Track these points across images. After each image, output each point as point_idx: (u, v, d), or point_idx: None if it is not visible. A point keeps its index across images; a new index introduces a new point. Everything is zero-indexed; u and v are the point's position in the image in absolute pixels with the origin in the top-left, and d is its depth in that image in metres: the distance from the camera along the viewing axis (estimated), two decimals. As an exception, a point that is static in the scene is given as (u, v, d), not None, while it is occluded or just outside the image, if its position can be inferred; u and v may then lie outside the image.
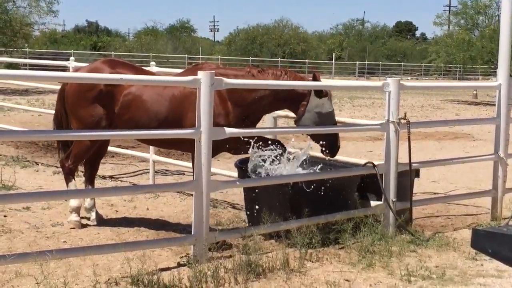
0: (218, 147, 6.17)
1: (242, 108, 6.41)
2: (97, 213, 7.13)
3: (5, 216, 7.19)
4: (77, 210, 6.90)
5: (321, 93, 6.42)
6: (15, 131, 10.22)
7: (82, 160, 7.05)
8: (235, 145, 6.55)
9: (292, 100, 6.51)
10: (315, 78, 6.46)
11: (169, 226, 7.14)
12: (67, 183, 6.96)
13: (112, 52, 55.23)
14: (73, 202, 6.89)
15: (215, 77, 5.58)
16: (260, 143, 6.51)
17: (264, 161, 6.59)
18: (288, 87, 6.43)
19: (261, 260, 5.48)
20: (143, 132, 6.29)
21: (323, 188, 6.47)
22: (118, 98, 6.53)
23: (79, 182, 7.41)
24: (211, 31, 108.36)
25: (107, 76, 6.15)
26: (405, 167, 6.90)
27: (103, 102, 6.55)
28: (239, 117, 6.39)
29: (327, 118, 6.49)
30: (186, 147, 5.82)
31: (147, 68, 8.21)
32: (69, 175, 6.95)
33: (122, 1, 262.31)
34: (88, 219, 7.08)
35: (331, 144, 6.55)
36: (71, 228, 6.81)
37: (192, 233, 5.67)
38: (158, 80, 6.17)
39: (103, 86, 6.50)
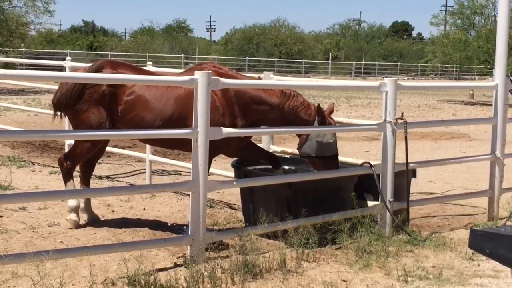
0: (219, 148, 6.22)
1: (248, 115, 6.44)
2: (92, 213, 7.11)
3: (1, 216, 7.16)
4: (75, 209, 6.88)
5: (324, 123, 6.53)
6: (11, 131, 10.20)
7: (82, 161, 7.02)
8: (237, 147, 6.59)
9: (296, 124, 6.58)
10: (319, 110, 6.49)
11: (165, 226, 7.13)
12: (65, 183, 6.93)
13: (109, 52, 55.20)
14: (72, 202, 6.87)
15: (212, 77, 5.57)
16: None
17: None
18: (283, 88, 6.45)
19: (258, 261, 5.47)
20: (140, 132, 6.27)
21: (320, 188, 6.50)
22: (121, 98, 6.51)
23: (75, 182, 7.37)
24: (208, 31, 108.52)
25: (106, 76, 6.13)
26: (402, 167, 6.90)
27: (105, 103, 6.53)
28: (244, 122, 6.42)
29: (328, 148, 6.61)
30: (190, 147, 5.80)
31: (144, 68, 8.18)
32: (67, 175, 6.91)
33: (119, 1, 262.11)
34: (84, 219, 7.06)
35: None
36: (69, 229, 6.78)
37: (189, 233, 5.65)
38: (156, 80, 6.16)
39: (105, 87, 6.48)
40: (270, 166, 7.03)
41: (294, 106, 6.51)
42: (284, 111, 6.51)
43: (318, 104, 6.59)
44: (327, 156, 6.61)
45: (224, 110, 6.33)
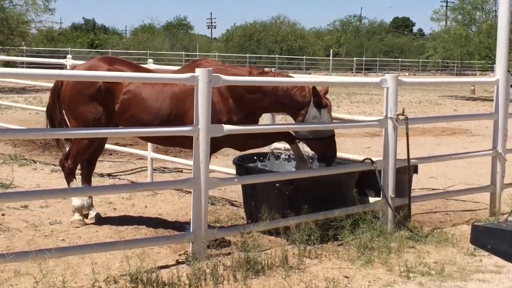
0: (220, 144, 6.23)
1: (243, 106, 6.43)
2: (95, 211, 7.12)
3: (3, 214, 7.17)
4: (80, 209, 6.88)
5: (320, 104, 6.45)
6: (13, 129, 10.21)
7: (82, 159, 7.02)
8: (236, 141, 6.58)
9: (292, 107, 6.54)
10: (314, 91, 6.47)
11: (167, 223, 7.14)
12: (68, 183, 6.92)
13: (109, 50, 55.19)
14: (76, 202, 6.87)
15: (212, 74, 5.57)
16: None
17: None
18: (283, 84, 6.44)
19: (260, 257, 5.47)
20: (141, 130, 6.28)
21: (322, 184, 6.50)
22: (118, 95, 6.51)
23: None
24: (208, 28, 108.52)
25: (105, 74, 6.13)
26: (403, 163, 6.89)
27: (101, 100, 6.53)
28: (241, 115, 6.41)
29: (325, 129, 6.53)
30: (189, 144, 5.80)
31: (144, 66, 8.18)
32: (69, 175, 6.91)
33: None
34: (86, 217, 7.05)
35: (328, 153, 6.59)
36: (76, 227, 6.78)
37: (191, 230, 5.66)
38: (155, 78, 6.17)
39: (101, 83, 6.49)
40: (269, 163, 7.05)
41: (288, 88, 6.48)
42: (278, 95, 6.46)
43: (314, 86, 6.55)
44: (324, 137, 6.58)
45: (220, 106, 6.30)
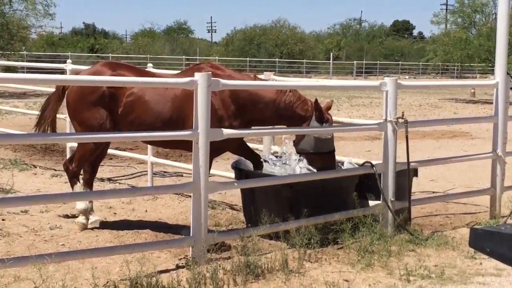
0: (221, 148, 6.23)
1: (244, 116, 6.44)
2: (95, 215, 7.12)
3: (3, 219, 7.17)
4: (84, 212, 6.89)
5: (322, 119, 6.47)
6: (13, 134, 10.22)
7: (86, 163, 7.02)
8: (235, 146, 6.60)
9: (293, 120, 6.55)
10: (316, 105, 6.49)
11: (167, 228, 7.13)
12: (72, 186, 6.94)
13: (110, 54, 55.24)
14: (80, 205, 6.87)
15: (212, 78, 5.57)
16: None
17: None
18: (282, 88, 6.45)
19: (260, 261, 5.47)
20: (141, 134, 6.28)
21: (322, 187, 6.50)
22: (121, 99, 6.52)
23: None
24: (209, 32, 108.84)
25: (106, 79, 6.15)
26: (403, 166, 6.89)
27: (105, 104, 6.54)
28: (242, 122, 6.42)
29: (325, 144, 6.59)
30: (190, 147, 5.80)
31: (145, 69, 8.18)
32: (73, 178, 6.94)
33: (119, 3, 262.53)
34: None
35: (327, 168, 6.61)
36: (76, 232, 6.78)
37: (191, 234, 5.66)
38: (155, 82, 6.17)
39: (105, 88, 6.50)
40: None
41: (290, 101, 6.46)
42: (279, 108, 6.47)
43: (316, 99, 6.55)
44: (324, 152, 6.58)
45: (221, 113, 6.31)
